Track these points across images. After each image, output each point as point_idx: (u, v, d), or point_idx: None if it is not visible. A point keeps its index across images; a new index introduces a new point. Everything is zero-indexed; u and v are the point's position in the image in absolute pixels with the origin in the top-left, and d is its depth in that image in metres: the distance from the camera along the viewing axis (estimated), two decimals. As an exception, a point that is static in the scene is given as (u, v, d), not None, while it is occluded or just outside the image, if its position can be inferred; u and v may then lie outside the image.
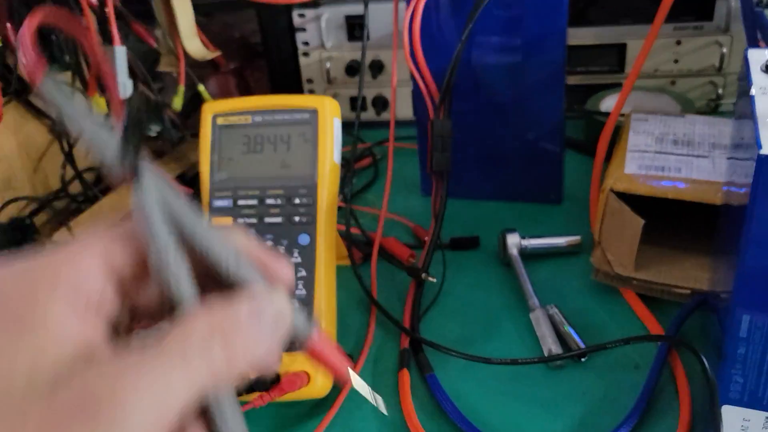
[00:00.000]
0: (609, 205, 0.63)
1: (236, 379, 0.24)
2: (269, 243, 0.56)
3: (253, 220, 0.56)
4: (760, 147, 0.37)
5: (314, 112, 0.57)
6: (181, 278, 0.24)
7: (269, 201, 0.57)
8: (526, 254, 0.69)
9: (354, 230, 0.76)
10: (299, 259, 0.55)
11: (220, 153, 0.58)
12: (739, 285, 0.41)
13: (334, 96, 1.03)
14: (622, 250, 0.63)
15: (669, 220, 0.66)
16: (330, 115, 0.58)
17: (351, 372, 0.29)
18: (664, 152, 0.67)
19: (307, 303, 0.55)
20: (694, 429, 0.51)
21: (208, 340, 0.23)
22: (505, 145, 0.79)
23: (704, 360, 0.39)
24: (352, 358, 0.60)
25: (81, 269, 0.23)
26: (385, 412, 0.31)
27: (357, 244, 0.73)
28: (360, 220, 0.77)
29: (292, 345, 0.27)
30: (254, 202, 0.57)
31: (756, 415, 0.45)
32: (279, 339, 0.25)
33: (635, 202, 0.61)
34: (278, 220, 0.56)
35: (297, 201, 0.56)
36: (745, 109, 0.44)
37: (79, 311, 0.23)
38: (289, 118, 0.58)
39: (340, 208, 0.81)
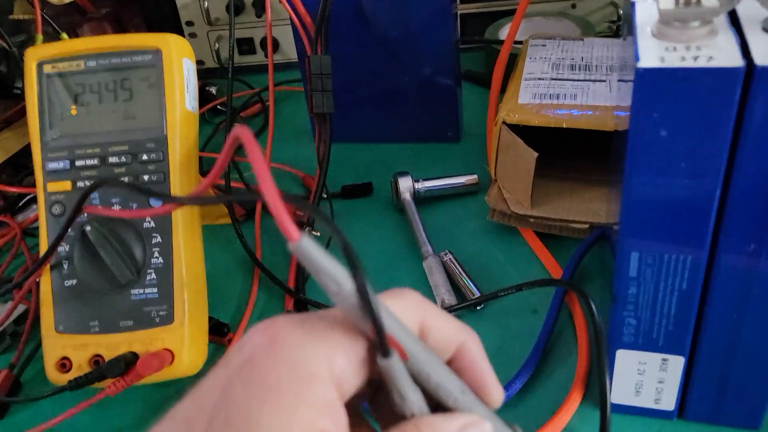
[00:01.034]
0: (502, 139, 0.58)
1: None
2: (116, 208, 0.49)
3: (96, 183, 0.49)
4: (637, 59, 0.32)
5: (158, 53, 0.49)
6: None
7: (112, 160, 0.49)
8: (421, 198, 0.64)
9: (238, 185, 0.70)
10: (152, 224, 0.48)
11: (50, 107, 0.50)
12: (626, 220, 0.37)
13: (218, 39, 0.94)
14: (518, 187, 0.58)
15: (569, 152, 0.61)
16: (177, 56, 0.50)
17: None
18: (560, 78, 0.62)
19: (165, 272, 0.48)
20: (592, 372, 0.48)
21: None
22: (396, 84, 0.72)
23: (592, 304, 0.35)
24: (230, 327, 0.54)
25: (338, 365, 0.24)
26: None
27: (239, 200, 0.66)
28: (244, 173, 0.70)
29: None
30: (95, 161, 0.49)
31: (652, 358, 0.42)
32: None
33: (532, 134, 0.56)
34: (124, 180, 0.49)
35: (145, 157, 0.49)
36: (630, 23, 0.39)
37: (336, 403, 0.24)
38: (129, 62, 0.50)
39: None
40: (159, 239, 0.48)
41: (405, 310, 0.26)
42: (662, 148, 0.33)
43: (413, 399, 0.25)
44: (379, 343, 0.24)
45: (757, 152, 0.32)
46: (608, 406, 0.33)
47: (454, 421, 0.26)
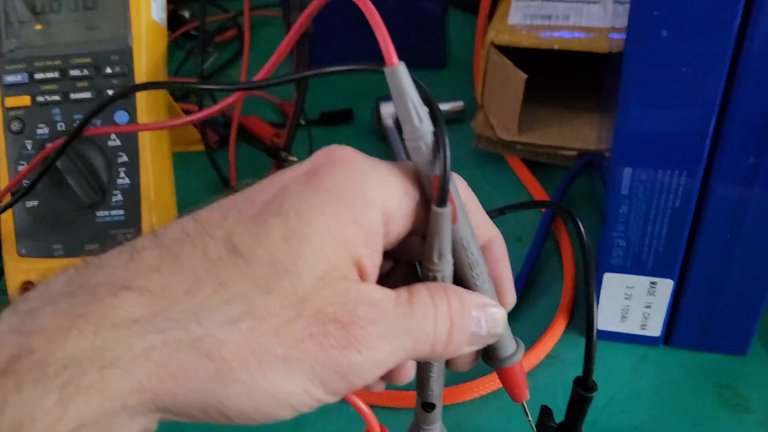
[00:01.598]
0: (491, 62, 0.55)
1: (431, 359, 0.28)
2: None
3: (57, 98, 0.46)
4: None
5: (121, -43, 0.46)
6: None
7: (74, 72, 0.46)
8: (405, 125, 0.61)
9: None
10: (117, 142, 0.45)
11: (6, 15, 0.46)
12: (620, 133, 0.35)
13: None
14: (505, 112, 0.56)
15: (558, 79, 0.59)
16: (143, -39, 0.46)
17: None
18: (551, -1, 0.59)
19: (132, 194, 0.45)
20: (578, 300, 0.46)
21: (443, 316, 0.25)
22: (380, 6, 0.69)
23: (579, 223, 0.33)
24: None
25: (391, 195, 0.24)
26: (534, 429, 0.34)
27: (213, 126, 0.63)
28: (218, 98, 0.67)
29: (489, 360, 0.30)
30: (55, 74, 0.46)
31: (640, 282, 0.40)
32: (480, 346, 0.27)
33: (521, 58, 0.54)
34: (87, 95, 0.46)
35: (108, 70, 0.46)
36: None
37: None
38: (91, -34, 0.46)
39: (194, 87, 0.71)
40: (125, 158, 0.45)
41: (458, 186, 0.26)
42: (662, 51, 0.31)
43: (449, 261, 0.26)
44: (441, 188, 0.24)
45: (764, 51, 0.30)
46: (595, 327, 0.31)
47: (477, 297, 0.26)
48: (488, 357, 0.30)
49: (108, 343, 0.21)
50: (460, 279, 0.27)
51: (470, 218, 0.27)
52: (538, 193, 0.55)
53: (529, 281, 0.48)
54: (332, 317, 0.23)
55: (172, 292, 0.22)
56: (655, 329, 0.42)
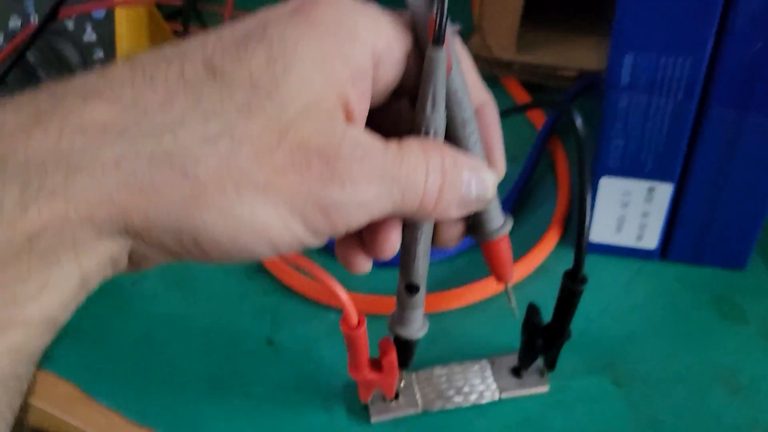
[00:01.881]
0: (489, -22, 0.53)
1: (418, 218, 0.26)
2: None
3: (29, -9, 0.43)
4: None
5: None
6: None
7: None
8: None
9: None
10: (93, 37, 0.43)
11: None
12: (622, 15, 0.33)
13: None
14: (502, 30, 0.53)
15: (558, 3, 0.56)
16: None
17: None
18: None
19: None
20: (573, 213, 0.44)
21: (435, 171, 0.23)
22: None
23: (576, 117, 0.31)
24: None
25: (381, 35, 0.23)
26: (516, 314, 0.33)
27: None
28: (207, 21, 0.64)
29: (476, 233, 0.29)
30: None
31: (638, 187, 0.38)
32: (468, 211, 0.25)
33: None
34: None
35: (85, -40, 0.43)
36: None
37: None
38: None
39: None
40: (101, 54, 0.43)
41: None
42: None
43: (442, 114, 0.24)
44: (437, 26, 0.23)
45: None
46: (587, 212, 0.29)
47: (469, 159, 0.25)
48: (475, 230, 0.29)
49: (75, 146, 0.19)
50: (452, 139, 0.26)
51: (465, 78, 0.25)
52: (536, 115, 0.52)
53: (521, 198, 0.46)
54: (316, 149, 0.21)
55: (144, 105, 0.20)
56: (651, 241, 0.40)
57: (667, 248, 0.41)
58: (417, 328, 0.31)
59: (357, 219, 0.22)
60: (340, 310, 0.30)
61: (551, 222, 0.43)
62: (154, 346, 0.39)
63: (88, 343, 0.39)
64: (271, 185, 0.20)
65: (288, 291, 0.42)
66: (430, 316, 0.40)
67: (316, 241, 0.22)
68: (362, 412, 0.35)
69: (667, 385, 0.35)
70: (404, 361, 0.33)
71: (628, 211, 0.39)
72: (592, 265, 0.41)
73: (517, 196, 0.46)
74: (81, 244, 0.19)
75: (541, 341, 0.33)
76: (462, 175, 0.24)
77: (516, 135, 0.51)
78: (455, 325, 0.39)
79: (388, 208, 0.23)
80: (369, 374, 0.32)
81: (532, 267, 0.41)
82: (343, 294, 0.29)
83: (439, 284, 0.40)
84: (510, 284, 0.31)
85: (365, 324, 0.30)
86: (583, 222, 0.30)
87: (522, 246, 0.42)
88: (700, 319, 0.38)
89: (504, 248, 0.29)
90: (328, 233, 0.22)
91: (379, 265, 0.43)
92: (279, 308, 0.41)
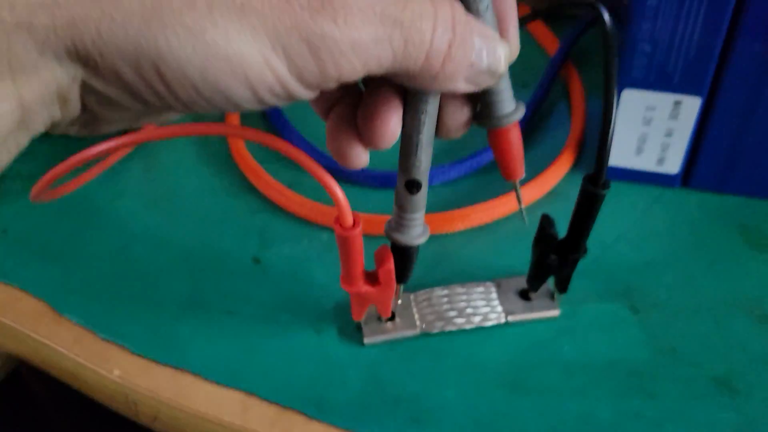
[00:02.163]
0: None
1: (422, 82, 0.22)
2: None
3: None
4: None
5: None
6: None
7: None
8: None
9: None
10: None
11: None
12: None
13: None
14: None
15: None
16: None
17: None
18: None
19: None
20: (587, 140, 0.41)
21: (444, 24, 0.20)
22: None
23: (602, 10, 0.28)
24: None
25: None
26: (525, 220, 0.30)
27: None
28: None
29: (484, 118, 0.26)
30: None
31: (664, 101, 0.35)
32: (477, 85, 0.22)
33: None
34: None
35: None
36: None
37: None
38: None
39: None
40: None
41: None
42: None
43: None
44: None
45: None
46: (613, 108, 0.26)
47: (482, 26, 0.22)
48: (483, 116, 0.25)
49: None
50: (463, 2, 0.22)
51: None
52: (549, 42, 0.49)
53: (532, 123, 0.43)
54: None
55: None
56: (673, 165, 0.37)
57: (690, 174, 0.38)
58: (417, 234, 0.28)
59: (350, 65, 0.19)
60: (332, 230, 0.27)
61: (565, 146, 0.40)
62: (131, 264, 0.36)
63: (59, 260, 0.36)
64: (252, 7, 0.17)
65: (277, 210, 0.39)
66: (431, 239, 0.37)
67: (301, 90, 0.19)
68: (355, 333, 0.32)
69: (687, 313, 0.32)
70: (402, 273, 0.30)
71: (651, 129, 0.36)
72: (608, 193, 0.38)
73: (528, 121, 0.42)
74: (18, 59, 0.16)
75: (554, 257, 0.30)
76: (473, 39, 0.21)
77: (528, 62, 0.47)
78: (458, 248, 0.36)
79: (388, 59, 0.19)
80: (363, 287, 0.29)
81: (544, 190, 0.38)
82: (336, 188, 0.26)
83: (440, 208, 0.37)
84: (518, 183, 0.28)
85: (360, 226, 0.27)
86: (609, 115, 0.27)
87: (533, 171, 0.39)
88: (725, 247, 0.35)
89: (514, 138, 0.26)
90: (316, 80, 0.19)
91: (377, 184, 0.40)
92: (267, 227, 0.38)
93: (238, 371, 0.31)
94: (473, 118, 0.26)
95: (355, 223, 0.27)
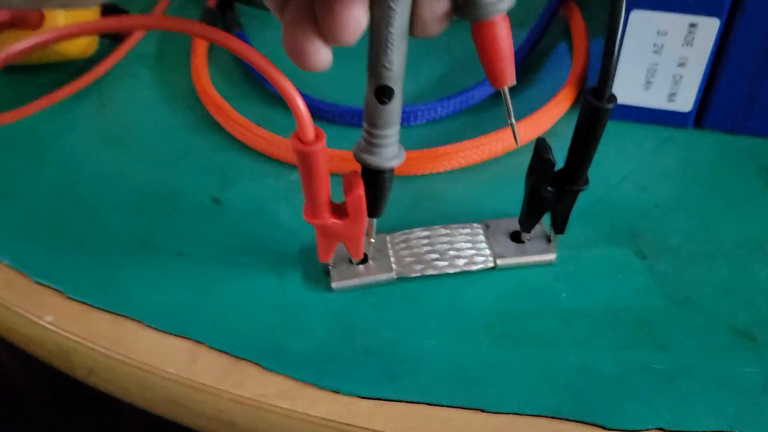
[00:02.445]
0: None
1: None
2: None
3: None
4: None
5: None
6: None
7: None
8: None
9: None
10: None
11: None
12: None
13: None
14: None
15: None
16: None
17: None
18: None
19: None
20: (589, 78, 0.37)
21: None
22: None
23: None
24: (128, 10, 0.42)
25: None
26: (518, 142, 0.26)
27: None
28: None
29: (466, 8, 0.21)
30: None
31: (676, 23, 0.31)
32: None
33: None
34: None
35: None
36: None
37: None
38: None
39: None
40: None
41: None
42: None
43: None
44: None
45: None
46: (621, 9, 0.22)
47: None
48: (465, 7, 0.21)
49: None
50: None
51: None
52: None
53: (529, 61, 0.39)
54: None
55: None
56: (686, 102, 0.33)
57: (704, 113, 0.34)
58: (390, 154, 0.24)
59: None
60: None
61: (565, 83, 0.36)
62: (75, 202, 0.32)
63: (-6, 199, 0.32)
64: None
65: (243, 148, 0.34)
66: (413, 179, 0.33)
67: None
68: (322, 278, 0.28)
69: (702, 258, 0.28)
70: (374, 204, 0.26)
71: (662, 59, 0.32)
72: (612, 136, 0.34)
73: (524, 59, 0.38)
74: None
75: (550, 189, 0.26)
76: None
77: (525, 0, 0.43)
78: (442, 189, 0.32)
79: None
80: (329, 219, 0.25)
81: (540, 129, 0.34)
82: (295, 95, 0.22)
83: (423, 146, 0.33)
84: (507, 91, 0.24)
85: (324, 141, 0.23)
86: (617, 17, 0.23)
87: (528, 110, 0.35)
88: (744, 189, 0.31)
89: (502, 33, 0.22)
90: None
91: (355, 121, 0.36)
92: (230, 166, 0.34)
93: (187, 318, 0.27)
94: (454, 9, 0.21)
95: (317, 137, 0.23)
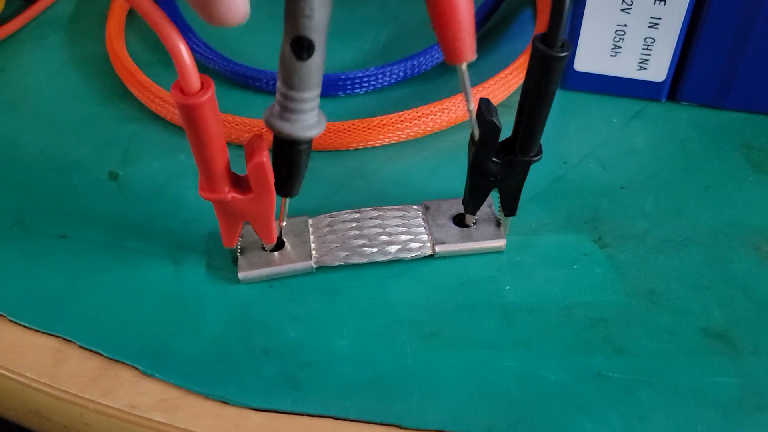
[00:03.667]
0: None
1: None
2: None
3: None
4: None
5: None
6: None
7: None
8: None
9: None
10: None
11: None
12: None
13: None
14: None
15: None
16: None
17: None
18: None
19: None
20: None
21: None
22: None
23: None
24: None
25: None
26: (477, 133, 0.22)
27: None
28: None
29: None
30: None
31: (647, -22, 0.27)
32: None
33: None
34: None
35: None
36: None
37: None
38: None
39: None
40: None
41: None
42: None
43: None
44: None
45: None
46: None
47: None
48: None
49: None
50: None
51: None
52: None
53: (486, 28, 0.35)
54: None
55: None
56: (659, 71, 0.29)
57: (679, 84, 0.30)
58: (308, 122, 0.20)
59: None
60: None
61: (525, 50, 0.32)
62: (-50, 177, 0.28)
63: None
64: None
65: (156, 120, 0.30)
66: (342, 155, 0.29)
67: None
68: (229, 268, 0.24)
69: (672, 247, 0.24)
70: (288, 181, 0.21)
71: (631, 19, 0.28)
72: (573, 104, 0.30)
73: (481, 25, 0.34)
74: None
75: (497, 162, 0.22)
76: None
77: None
78: (378, 166, 0.28)
79: None
80: (228, 193, 0.21)
81: (495, 100, 0.30)
82: (176, 38, 0.17)
83: (357, 107, 0.29)
84: (465, 66, 0.20)
85: (213, 91, 0.18)
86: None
87: (483, 77, 0.30)
88: (722, 169, 0.27)
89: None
90: None
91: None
92: (137, 138, 0.29)
93: (58, 311, 0.23)
94: None
95: (203, 87, 0.18)
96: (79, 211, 0.26)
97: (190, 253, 0.24)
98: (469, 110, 0.21)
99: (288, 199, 0.23)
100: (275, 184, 0.22)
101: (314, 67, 0.19)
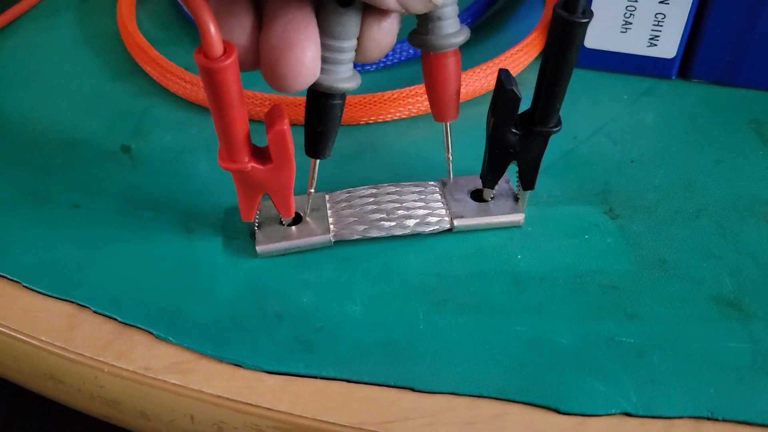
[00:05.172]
0: None
1: None
2: None
3: None
4: None
5: None
6: None
7: None
8: None
9: None
10: None
11: None
12: None
13: None
14: None
15: None
16: None
17: None
18: None
19: None
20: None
21: None
22: None
23: None
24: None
25: None
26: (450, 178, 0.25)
27: None
28: None
29: (420, 36, 0.21)
30: None
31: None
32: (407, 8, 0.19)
33: None
34: None
35: None
36: None
37: None
38: None
39: None
40: None
41: None
42: None
43: None
44: None
45: None
46: None
47: None
48: (419, 33, 0.21)
49: None
50: None
51: None
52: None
53: (497, 5, 0.35)
54: None
55: None
56: (670, 46, 0.29)
57: (689, 61, 0.30)
58: (345, 74, 0.20)
59: None
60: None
61: (535, 26, 0.32)
62: (-36, 150, 0.28)
63: None
64: None
65: (166, 95, 0.30)
66: (355, 129, 0.29)
67: None
68: (245, 240, 0.24)
69: (683, 218, 0.24)
70: (319, 140, 0.21)
71: (642, -5, 0.28)
72: (584, 80, 0.30)
73: (491, 3, 0.34)
74: None
75: (516, 133, 0.22)
76: None
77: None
78: (387, 140, 0.28)
79: None
80: (248, 163, 0.21)
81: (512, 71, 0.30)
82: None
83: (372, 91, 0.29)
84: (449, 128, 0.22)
85: (236, 56, 0.18)
86: None
87: (493, 54, 0.30)
88: (735, 143, 0.27)
89: (452, 67, 0.21)
90: None
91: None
92: (148, 113, 0.29)
93: (72, 278, 0.23)
94: (409, 37, 0.21)
95: (226, 52, 0.18)
96: (91, 182, 0.26)
97: (203, 223, 0.25)
98: (447, 159, 0.24)
99: (317, 164, 0.23)
100: (306, 146, 0.22)
101: (354, 15, 0.19)
